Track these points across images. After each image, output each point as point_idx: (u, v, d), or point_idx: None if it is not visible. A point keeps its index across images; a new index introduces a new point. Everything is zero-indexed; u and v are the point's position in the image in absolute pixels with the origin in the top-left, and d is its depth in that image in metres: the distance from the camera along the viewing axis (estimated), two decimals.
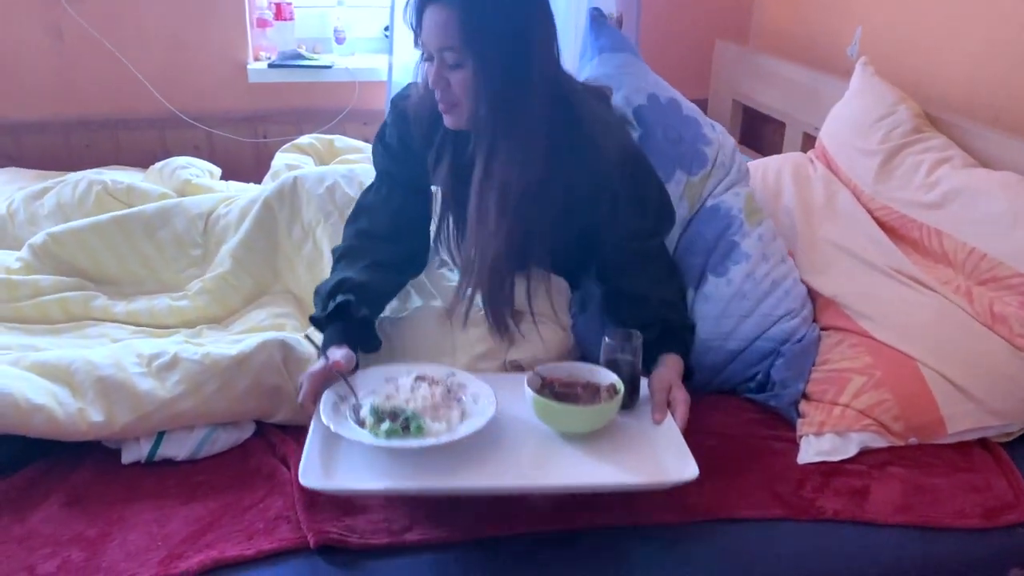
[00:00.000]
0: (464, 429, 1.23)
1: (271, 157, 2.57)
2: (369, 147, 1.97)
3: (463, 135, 1.45)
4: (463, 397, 1.32)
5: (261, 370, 1.40)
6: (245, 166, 2.58)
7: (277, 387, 1.42)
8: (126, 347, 1.43)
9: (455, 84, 1.37)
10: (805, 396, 1.52)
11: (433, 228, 1.59)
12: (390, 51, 2.50)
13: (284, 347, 1.43)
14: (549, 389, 1.32)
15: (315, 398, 1.28)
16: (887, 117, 1.85)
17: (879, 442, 1.43)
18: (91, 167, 2.33)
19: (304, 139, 2.22)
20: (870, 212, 1.78)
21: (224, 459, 1.38)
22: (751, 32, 2.89)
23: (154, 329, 1.65)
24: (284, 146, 2.21)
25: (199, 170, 2.14)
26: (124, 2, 2.41)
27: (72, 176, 2.05)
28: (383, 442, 1.19)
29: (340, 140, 2.25)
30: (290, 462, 1.35)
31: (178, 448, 1.36)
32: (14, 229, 1.95)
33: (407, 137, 1.53)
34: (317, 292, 1.46)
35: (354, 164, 2.09)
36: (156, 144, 2.54)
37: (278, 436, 1.42)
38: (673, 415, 1.34)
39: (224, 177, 2.26)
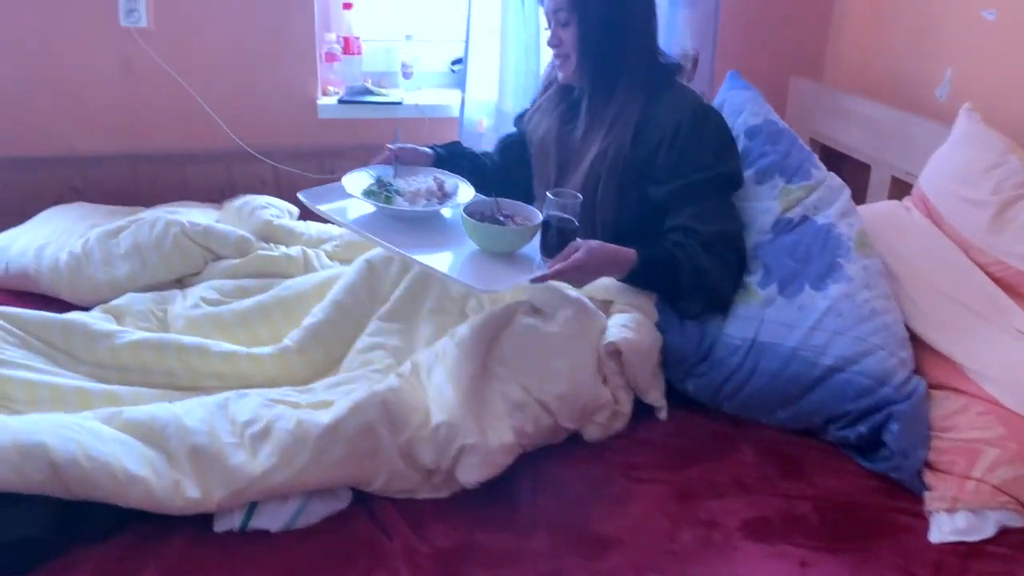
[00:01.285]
0: (400, 209, 1.66)
1: None
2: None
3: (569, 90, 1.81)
4: (448, 200, 1.70)
5: (355, 436, 1.33)
6: None
7: (374, 451, 1.35)
8: (219, 408, 1.37)
9: (566, 41, 1.69)
10: (928, 464, 1.44)
11: (535, 174, 1.88)
12: (463, 87, 2.45)
13: (383, 407, 1.36)
14: (489, 215, 1.61)
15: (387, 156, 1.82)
16: (997, 167, 1.77)
17: (1019, 522, 1.34)
18: (157, 201, 2.30)
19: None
20: (982, 267, 1.70)
21: (321, 530, 1.31)
22: (825, 69, 2.81)
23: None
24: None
25: (278, 210, 2.09)
26: (194, 35, 2.38)
27: (147, 215, 2.01)
28: (354, 194, 1.68)
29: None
30: (392, 533, 1.28)
31: (271, 520, 1.30)
32: (90, 268, 1.90)
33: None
34: None
35: None
36: (223, 179, 2.50)
37: (378, 504, 1.35)
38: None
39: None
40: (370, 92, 2.57)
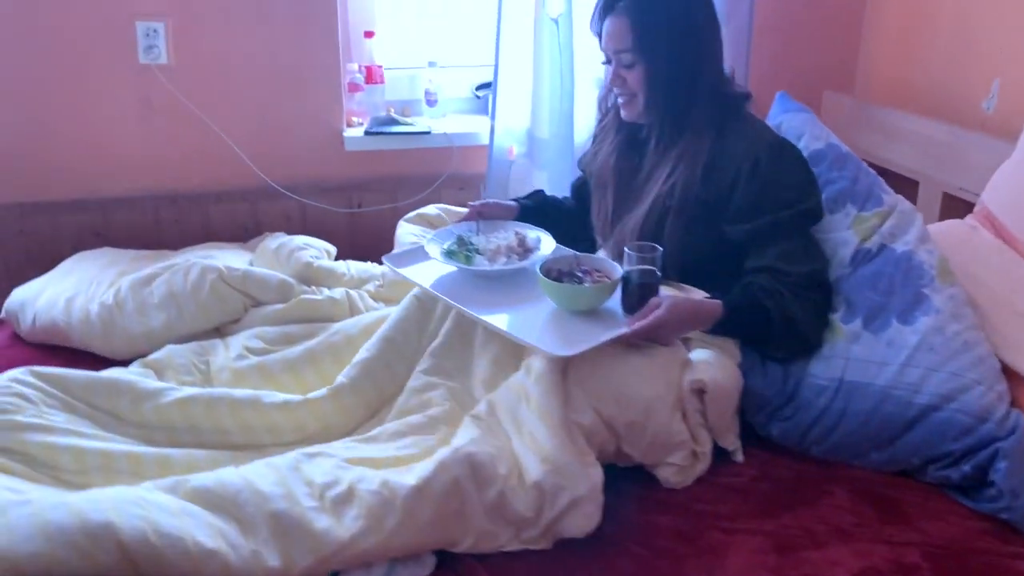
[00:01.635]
0: (480, 269, 1.63)
1: (366, 227, 2.48)
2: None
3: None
4: (530, 255, 1.67)
5: (443, 495, 1.25)
6: (339, 237, 2.44)
7: (461, 510, 1.26)
8: (292, 470, 1.28)
9: (631, 80, 1.62)
10: None
11: (593, 208, 1.82)
12: (492, 113, 2.37)
13: (469, 463, 1.28)
14: (568, 271, 1.57)
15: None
16: None
17: None
18: (182, 243, 2.22)
19: (431, 209, 2.09)
20: None
21: None
22: (857, 83, 2.76)
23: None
24: (408, 215, 2.08)
25: (317, 251, 2.01)
26: (216, 70, 2.30)
27: (179, 261, 1.91)
28: (434, 256, 1.67)
29: None
30: None
31: None
32: (123, 319, 1.81)
33: None
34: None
35: None
36: (247, 217, 2.42)
37: (465, 565, 1.27)
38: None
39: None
40: (395, 122, 2.49)
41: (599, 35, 1.65)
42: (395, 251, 1.78)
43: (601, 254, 1.83)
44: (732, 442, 1.53)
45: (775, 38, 2.60)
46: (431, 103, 2.57)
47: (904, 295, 1.56)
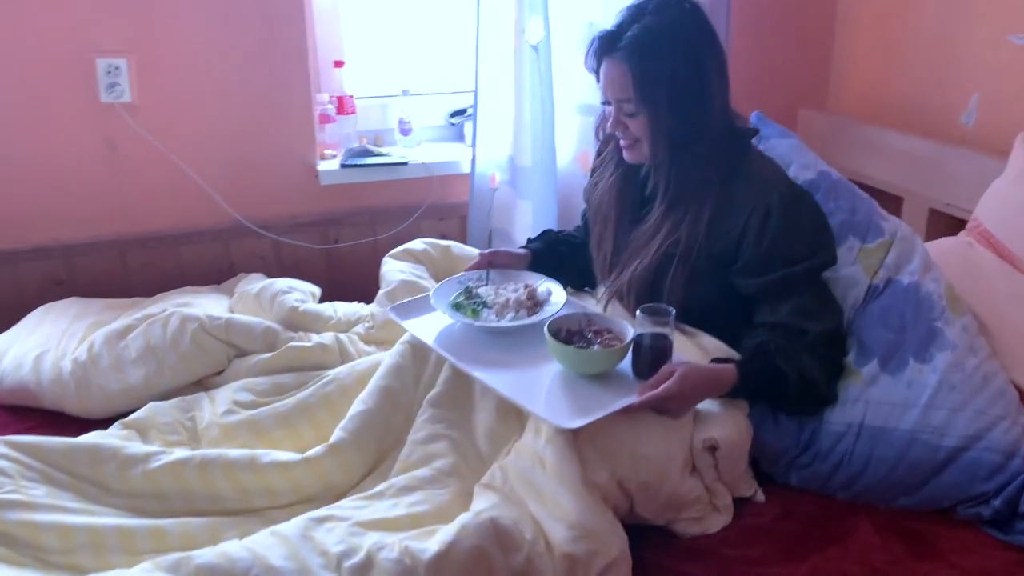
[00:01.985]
0: (487, 325, 1.55)
1: (345, 263, 2.39)
2: (477, 251, 2.00)
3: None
4: (540, 309, 1.61)
5: (468, 562, 1.18)
6: (316, 274, 2.36)
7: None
8: (303, 539, 1.20)
9: (633, 127, 1.52)
10: None
11: (592, 241, 1.73)
12: (473, 143, 2.31)
13: (493, 528, 1.21)
14: (578, 331, 1.50)
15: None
16: None
17: None
18: (151, 288, 2.12)
19: (417, 244, 2.02)
20: None
21: None
22: (830, 100, 2.76)
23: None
24: (393, 251, 2.01)
25: (301, 293, 1.92)
26: (182, 107, 2.20)
27: (156, 310, 1.81)
28: (438, 305, 1.60)
29: (457, 247, 2.05)
30: None
31: None
32: (98, 377, 1.71)
33: None
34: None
35: None
36: (220, 257, 2.32)
37: None
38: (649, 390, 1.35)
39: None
40: (370, 153, 2.42)
41: (594, 72, 1.55)
42: (401, 303, 1.70)
43: (599, 291, 1.78)
44: (748, 489, 1.48)
45: (748, 58, 2.58)
46: (405, 132, 2.50)
47: (917, 331, 1.52)
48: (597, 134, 1.75)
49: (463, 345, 1.55)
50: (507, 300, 1.61)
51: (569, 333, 1.50)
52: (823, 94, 2.76)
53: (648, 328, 1.43)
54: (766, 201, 1.48)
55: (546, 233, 1.89)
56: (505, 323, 1.56)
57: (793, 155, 1.80)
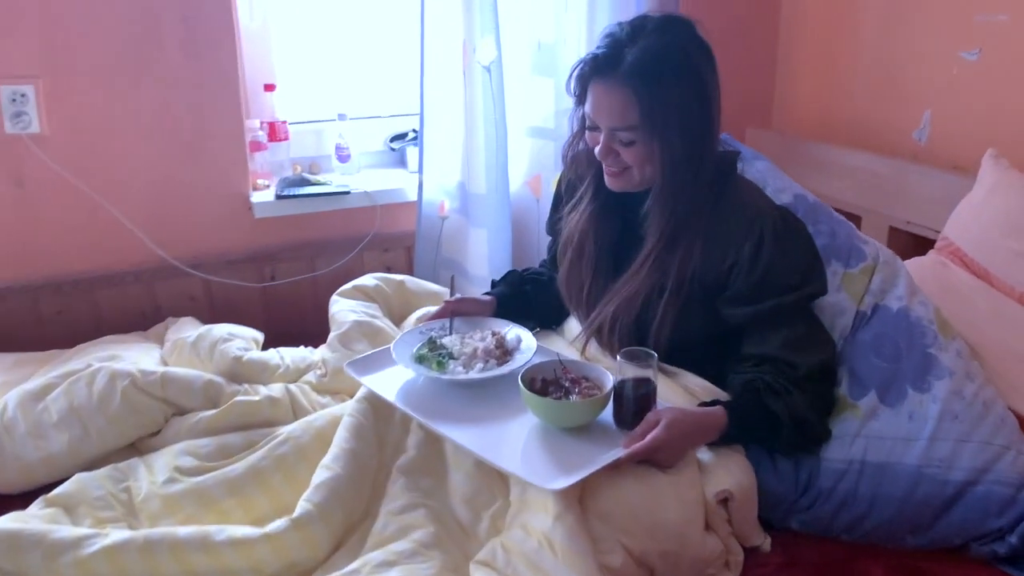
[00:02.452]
0: (455, 378, 1.44)
1: (283, 302, 2.23)
2: (433, 285, 1.93)
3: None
4: (510, 358, 1.49)
5: None
6: (252, 315, 2.18)
7: None
8: None
9: (626, 156, 1.39)
10: None
11: (563, 272, 1.59)
12: (420, 169, 2.17)
13: None
14: (554, 380, 1.38)
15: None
16: None
17: None
18: (70, 338, 1.91)
19: (368, 280, 1.86)
20: None
21: None
22: (774, 119, 2.72)
23: None
24: (343, 289, 1.85)
25: (243, 340, 1.74)
26: (99, 136, 1.99)
27: (77, 366, 1.61)
28: (400, 359, 1.47)
29: (412, 282, 1.90)
30: None
31: None
32: (13, 445, 1.50)
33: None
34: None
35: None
36: (144, 301, 2.11)
37: None
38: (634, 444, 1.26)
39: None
40: (307, 182, 2.25)
41: (576, 97, 1.44)
42: (359, 357, 1.55)
43: (572, 324, 1.66)
44: (759, 538, 1.38)
45: None
46: (343, 158, 2.34)
47: (912, 359, 1.45)
48: (564, 159, 1.63)
49: (429, 401, 1.43)
50: (474, 350, 1.49)
51: (544, 383, 1.39)
52: (767, 112, 2.72)
53: (630, 374, 1.33)
54: (759, 228, 1.40)
55: (510, 275, 1.78)
56: (474, 375, 1.44)
57: (767, 177, 1.74)
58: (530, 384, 1.36)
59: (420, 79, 2.09)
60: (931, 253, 1.87)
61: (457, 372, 1.45)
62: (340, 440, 1.41)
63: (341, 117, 2.31)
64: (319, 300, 2.25)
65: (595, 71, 1.37)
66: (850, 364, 1.49)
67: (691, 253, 1.42)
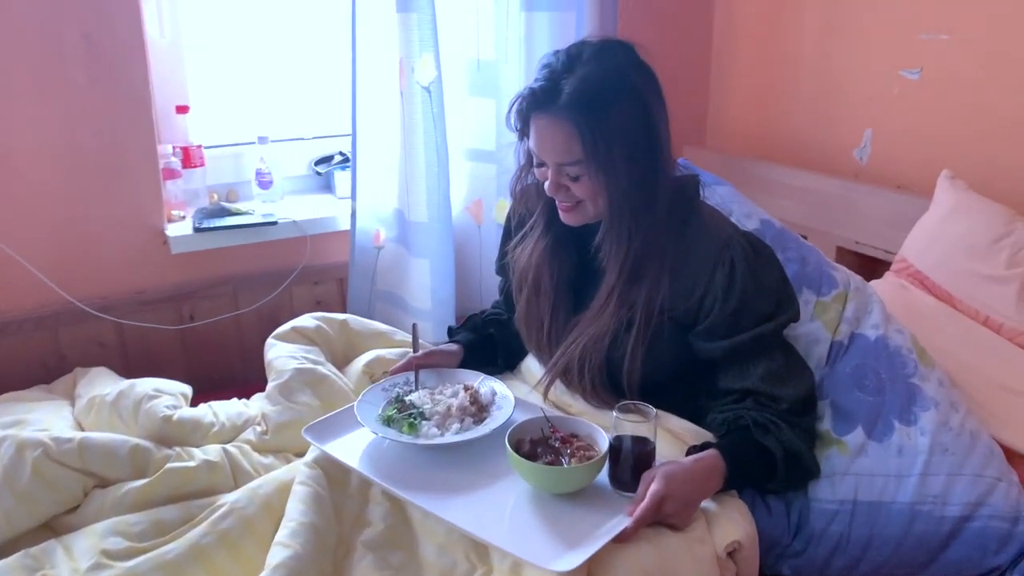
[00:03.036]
0: (433, 438, 1.31)
1: (204, 345, 2.04)
2: (379, 324, 1.78)
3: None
4: (489, 419, 1.36)
5: None
6: (170, 361, 1.99)
7: None
8: None
9: (576, 190, 1.31)
10: None
11: (519, 310, 1.50)
12: (353, 196, 2.02)
13: None
14: (542, 440, 1.27)
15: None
16: (1006, 236, 1.66)
17: None
18: None
19: (306, 321, 1.69)
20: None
21: None
22: (708, 138, 2.68)
23: None
24: (279, 331, 1.67)
25: (171, 396, 1.54)
26: None
27: None
28: (366, 422, 1.33)
29: (355, 321, 1.73)
30: None
31: None
32: None
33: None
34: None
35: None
36: (47, 349, 1.88)
37: None
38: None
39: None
40: (227, 211, 2.07)
41: (518, 132, 1.35)
42: (318, 421, 1.39)
43: (531, 365, 1.55)
44: None
45: None
46: (264, 185, 2.17)
47: (896, 391, 1.41)
48: (512, 193, 1.52)
49: (401, 467, 1.30)
50: (448, 408, 1.37)
51: (532, 444, 1.27)
52: (702, 131, 2.68)
53: (627, 430, 1.23)
54: (728, 256, 1.32)
55: (470, 320, 1.67)
56: (452, 437, 1.32)
57: (731, 203, 1.67)
58: (517, 447, 1.24)
59: (352, 99, 1.94)
60: (889, 275, 1.84)
61: (432, 435, 1.32)
62: (296, 513, 1.25)
63: (262, 140, 2.14)
64: (244, 341, 2.08)
65: (534, 105, 1.28)
66: (833, 398, 1.43)
67: (658, 286, 1.34)
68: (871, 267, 2.05)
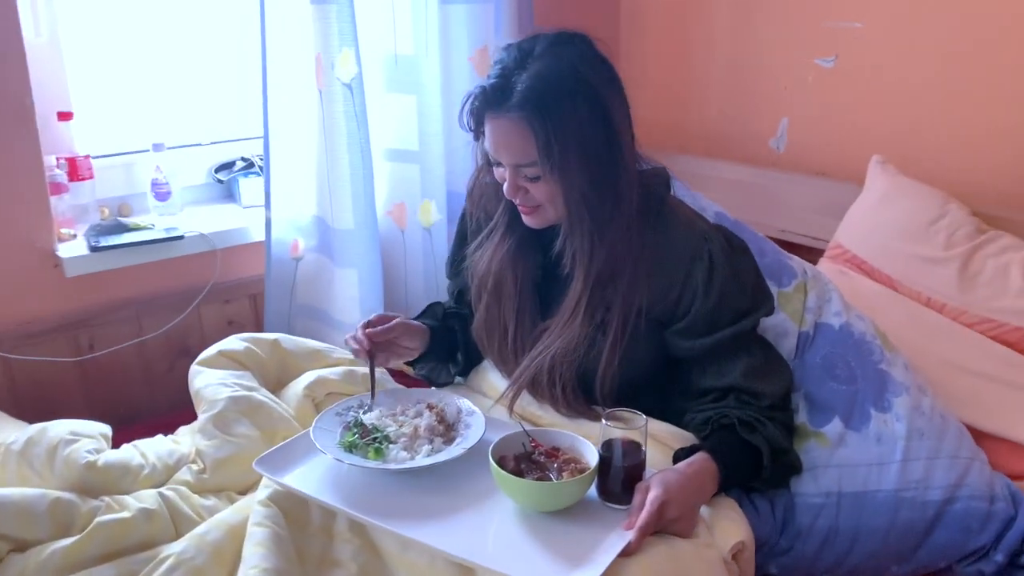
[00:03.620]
0: (403, 462, 1.20)
1: (105, 376, 1.85)
2: (314, 342, 1.63)
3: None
4: (459, 437, 1.27)
5: None
6: (68, 398, 1.78)
7: None
8: None
9: (536, 192, 1.25)
10: None
11: (479, 318, 1.42)
12: (267, 204, 1.86)
13: None
14: (525, 456, 1.18)
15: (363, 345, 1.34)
16: (941, 219, 1.69)
17: None
18: None
19: (233, 343, 1.52)
20: (971, 328, 1.59)
21: None
22: None
23: None
24: (203, 357, 1.50)
25: (92, 439, 1.35)
26: None
27: None
28: (327, 449, 1.22)
29: (288, 340, 1.58)
30: None
31: None
32: None
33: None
34: None
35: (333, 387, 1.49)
36: None
37: None
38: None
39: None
40: (124, 227, 1.87)
41: (472, 132, 1.28)
42: (272, 451, 1.26)
43: (492, 376, 1.46)
44: None
45: None
46: (162, 196, 1.98)
47: (867, 378, 1.40)
48: (470, 193, 1.44)
49: (368, 494, 1.20)
50: (415, 429, 1.27)
51: (516, 460, 1.18)
52: None
53: (617, 438, 1.16)
54: (706, 251, 1.28)
55: (432, 307, 1.56)
56: (428, 459, 1.22)
57: (685, 197, 1.62)
58: (501, 464, 1.15)
59: (263, 100, 1.78)
60: (825, 262, 1.85)
61: (403, 458, 1.21)
62: (256, 558, 1.11)
63: (157, 147, 1.95)
64: (151, 369, 1.90)
65: (486, 105, 1.22)
66: (806, 389, 1.41)
67: (635, 288, 1.28)
68: (799, 255, 2.04)
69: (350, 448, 1.24)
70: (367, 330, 1.36)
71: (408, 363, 1.51)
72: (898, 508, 1.30)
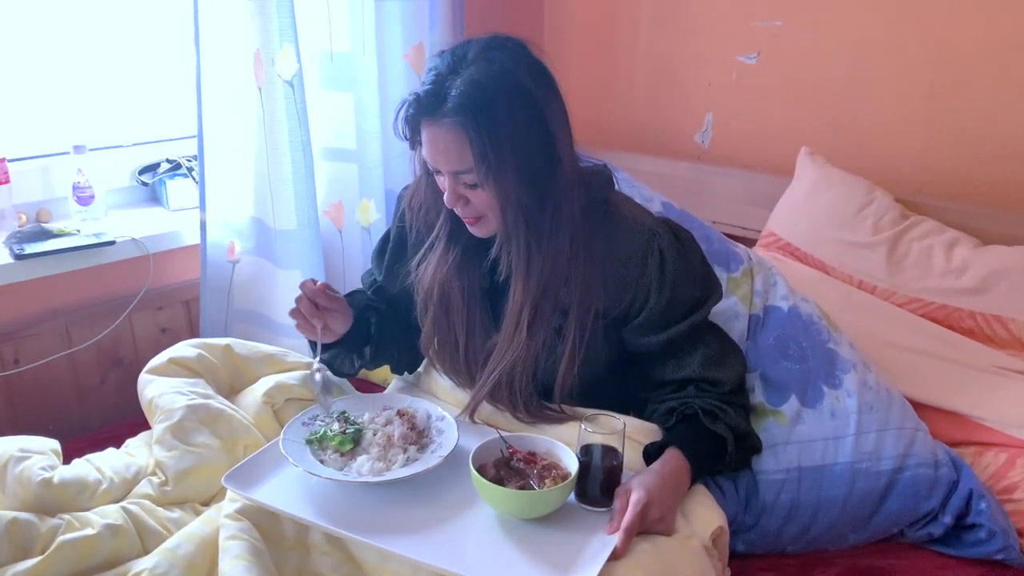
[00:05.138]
0: (380, 474, 1.18)
1: (33, 391, 1.76)
2: (266, 347, 1.61)
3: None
4: (432, 445, 1.26)
5: None
6: None
7: None
8: None
9: (476, 200, 1.23)
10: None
11: (427, 333, 1.40)
12: (202, 206, 1.80)
13: None
14: (503, 462, 1.18)
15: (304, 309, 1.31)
16: (868, 206, 1.78)
17: None
18: None
19: (184, 350, 1.47)
20: (902, 308, 1.69)
21: None
22: None
23: None
24: (152, 365, 1.45)
25: (44, 455, 1.28)
26: None
27: None
28: (300, 463, 1.18)
29: (240, 345, 1.53)
30: None
31: None
32: None
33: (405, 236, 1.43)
34: None
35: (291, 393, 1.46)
36: None
37: None
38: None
39: None
40: (48, 233, 1.78)
41: (408, 140, 1.25)
42: (241, 465, 1.22)
43: (441, 380, 1.45)
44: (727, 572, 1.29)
45: None
46: (85, 200, 1.88)
47: (818, 357, 1.46)
48: (409, 204, 1.41)
49: (344, 507, 1.16)
50: (389, 438, 1.25)
51: (497, 470, 1.17)
52: None
53: (596, 443, 1.17)
54: (656, 246, 1.28)
55: (354, 296, 1.50)
56: (406, 470, 1.19)
57: (627, 190, 1.66)
58: (481, 472, 1.14)
59: (197, 98, 1.72)
60: (759, 249, 1.92)
61: (379, 469, 1.20)
62: (237, 570, 1.08)
63: (78, 149, 1.85)
64: (81, 382, 1.82)
65: (421, 112, 1.19)
66: (762, 370, 1.46)
67: (589, 292, 1.28)
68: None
69: (320, 441, 1.23)
70: (319, 284, 1.32)
71: (311, 343, 1.38)
72: (854, 479, 1.36)
